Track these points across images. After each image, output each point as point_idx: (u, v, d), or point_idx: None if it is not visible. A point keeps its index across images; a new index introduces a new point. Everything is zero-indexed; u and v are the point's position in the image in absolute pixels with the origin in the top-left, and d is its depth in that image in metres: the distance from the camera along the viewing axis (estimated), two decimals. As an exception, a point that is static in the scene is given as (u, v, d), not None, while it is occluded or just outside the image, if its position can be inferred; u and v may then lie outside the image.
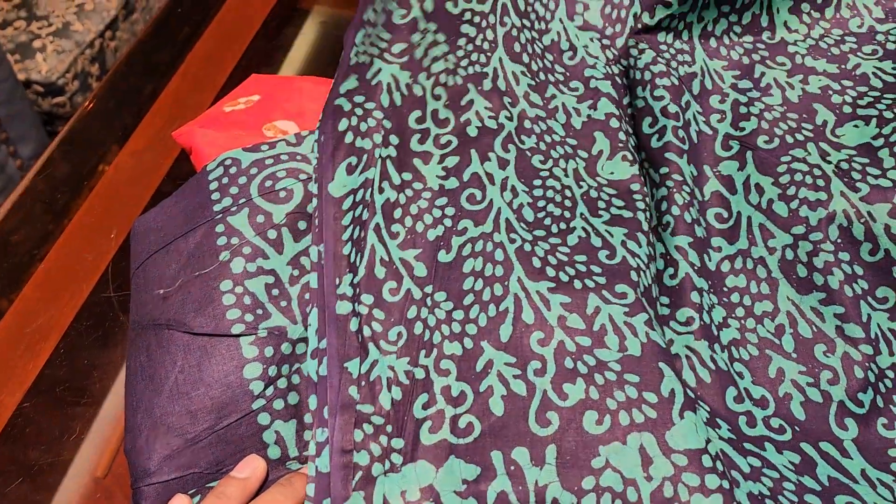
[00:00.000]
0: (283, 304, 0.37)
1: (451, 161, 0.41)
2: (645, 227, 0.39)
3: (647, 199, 0.41)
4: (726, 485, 0.30)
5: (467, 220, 0.39)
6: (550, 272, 0.37)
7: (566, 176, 0.41)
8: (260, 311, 0.36)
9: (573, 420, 0.33)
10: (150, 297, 0.38)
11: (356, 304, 0.36)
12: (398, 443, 0.33)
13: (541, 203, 0.40)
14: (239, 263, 0.37)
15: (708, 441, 0.32)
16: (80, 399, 0.40)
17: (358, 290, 0.37)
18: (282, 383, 0.35)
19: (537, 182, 0.41)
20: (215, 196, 0.39)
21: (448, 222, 0.39)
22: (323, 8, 0.63)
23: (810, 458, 0.34)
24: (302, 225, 0.39)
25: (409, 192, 0.40)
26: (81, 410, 0.40)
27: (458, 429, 0.33)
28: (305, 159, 0.40)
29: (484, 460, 0.32)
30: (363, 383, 0.34)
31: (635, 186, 0.41)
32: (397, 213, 0.39)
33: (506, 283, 0.36)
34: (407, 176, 0.40)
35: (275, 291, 0.37)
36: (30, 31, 1.06)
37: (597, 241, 0.38)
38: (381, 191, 0.39)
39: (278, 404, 0.35)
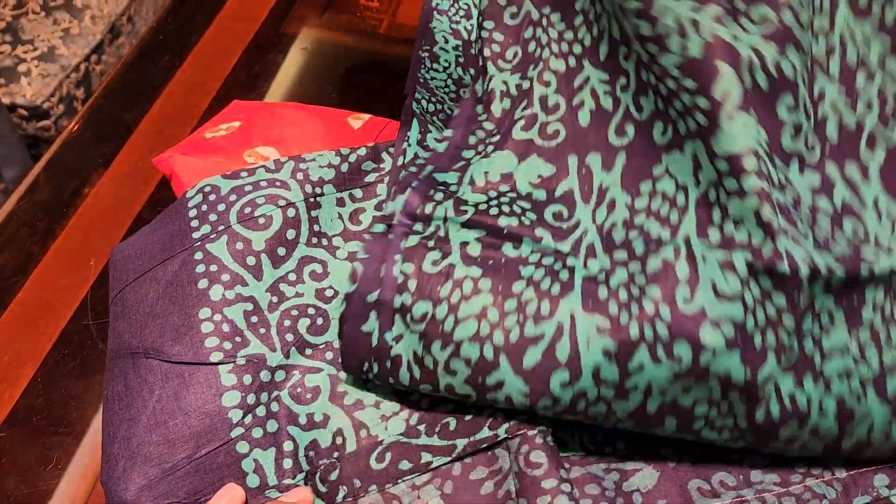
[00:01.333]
0: (262, 331, 0.37)
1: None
2: None
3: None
4: (766, 187, 0.31)
5: None
6: None
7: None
8: (238, 339, 0.36)
9: (643, 131, 0.36)
10: (128, 325, 0.38)
11: (481, 30, 0.42)
12: (495, 137, 0.39)
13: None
14: (217, 291, 0.37)
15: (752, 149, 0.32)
16: (58, 429, 0.40)
17: (481, 17, 0.42)
18: (260, 411, 0.35)
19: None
20: (194, 223, 0.39)
21: None
22: (306, 34, 0.64)
23: (829, 179, 0.35)
24: (281, 251, 0.39)
25: None
26: (59, 440, 0.40)
27: (546, 133, 0.38)
28: (285, 185, 0.41)
29: (561, 162, 0.38)
30: (483, 97, 0.41)
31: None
32: None
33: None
34: None
35: (254, 318, 0.37)
36: (15, 56, 1.06)
37: None
38: None
39: (257, 432, 0.35)
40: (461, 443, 0.34)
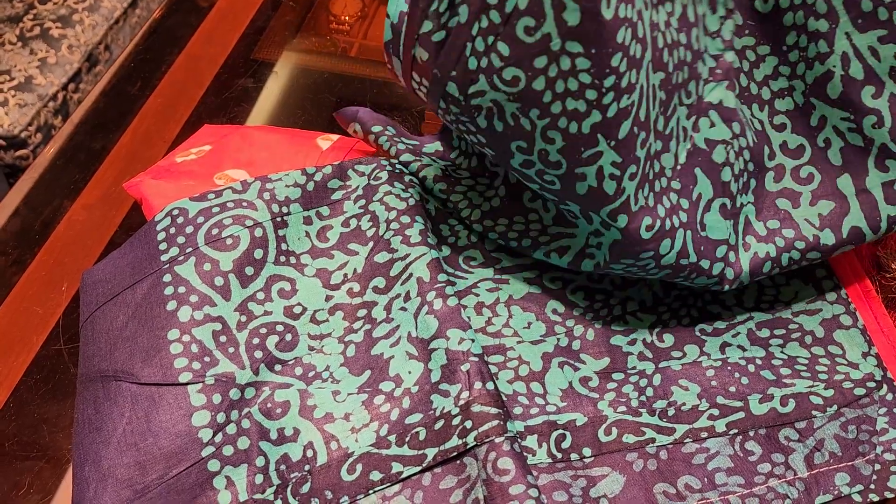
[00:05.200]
0: (231, 350, 0.37)
1: None
2: None
3: None
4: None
5: None
6: None
7: None
8: (207, 359, 0.37)
9: None
10: (98, 348, 0.38)
11: None
12: None
13: None
14: (186, 312, 0.37)
15: None
16: (30, 453, 0.40)
17: None
18: (231, 429, 0.36)
19: None
20: (163, 246, 0.40)
21: None
22: (277, 58, 0.65)
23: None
24: (249, 271, 0.40)
25: None
26: (31, 465, 0.40)
27: None
28: (252, 205, 0.41)
29: None
30: None
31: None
32: None
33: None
34: None
35: (222, 338, 0.37)
36: (-9, 87, 1.06)
37: None
38: None
39: (228, 450, 0.35)
40: (431, 452, 0.35)
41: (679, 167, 0.37)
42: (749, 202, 0.38)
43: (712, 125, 0.38)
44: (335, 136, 0.51)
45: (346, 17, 0.71)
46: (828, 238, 0.38)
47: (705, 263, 0.37)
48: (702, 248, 0.37)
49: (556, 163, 0.34)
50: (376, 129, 0.46)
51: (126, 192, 0.47)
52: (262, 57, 0.64)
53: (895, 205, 0.37)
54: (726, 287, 0.38)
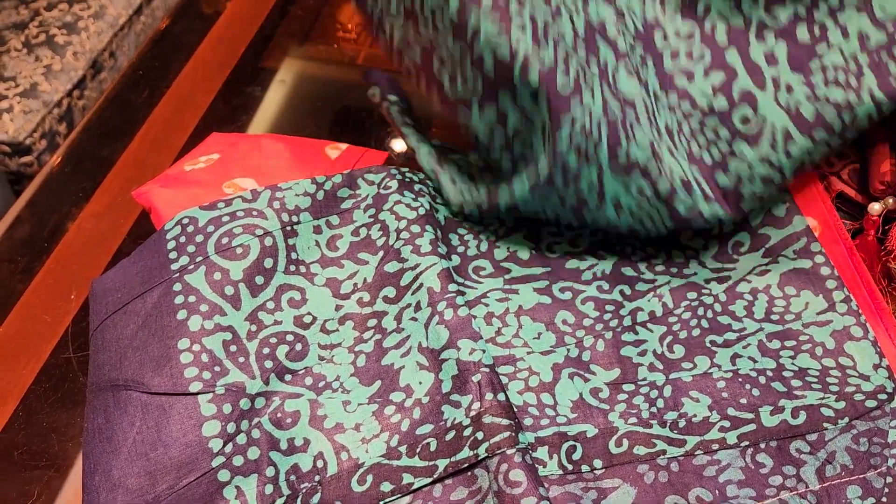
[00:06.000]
0: (241, 359, 0.37)
1: None
2: None
3: None
4: None
5: None
6: None
7: None
8: (218, 368, 0.37)
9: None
10: (108, 357, 0.38)
11: None
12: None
13: None
14: (196, 321, 0.37)
15: None
16: (39, 462, 0.40)
17: None
18: (241, 439, 0.36)
19: None
20: (172, 255, 0.40)
21: None
22: (284, 66, 0.65)
23: None
24: (259, 280, 0.40)
25: None
26: (40, 474, 0.40)
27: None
28: (262, 214, 0.41)
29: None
30: None
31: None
32: None
33: None
34: None
35: (233, 348, 0.37)
36: (-3, 93, 1.06)
37: None
38: None
39: (238, 460, 0.35)
40: (442, 463, 0.35)
41: (580, 37, 0.39)
42: (651, 75, 0.41)
43: (597, 6, 0.40)
44: (344, 145, 0.51)
45: (353, 26, 0.72)
46: (721, 103, 0.40)
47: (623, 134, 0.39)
48: (622, 109, 0.38)
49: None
50: (392, 97, 0.48)
51: (134, 201, 0.47)
52: (269, 65, 0.65)
53: (775, 66, 0.40)
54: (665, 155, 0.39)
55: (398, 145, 0.57)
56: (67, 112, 1.12)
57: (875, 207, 0.42)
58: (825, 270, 0.41)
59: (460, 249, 0.44)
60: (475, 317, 0.40)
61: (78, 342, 0.44)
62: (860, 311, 0.40)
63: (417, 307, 0.38)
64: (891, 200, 0.42)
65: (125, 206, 0.52)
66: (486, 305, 0.41)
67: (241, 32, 0.67)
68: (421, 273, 0.39)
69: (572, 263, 0.43)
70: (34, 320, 0.46)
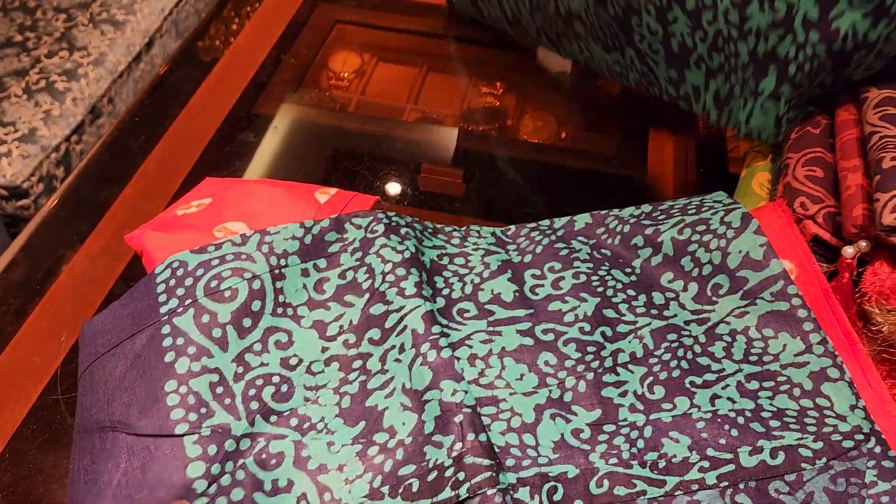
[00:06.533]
0: (227, 401, 0.38)
1: None
2: None
3: None
4: None
5: None
6: None
7: None
8: (204, 410, 0.37)
9: None
10: (96, 399, 0.39)
11: None
12: None
13: None
14: (184, 363, 0.38)
15: None
16: (24, 504, 0.40)
17: None
18: (225, 480, 0.36)
19: None
20: (162, 298, 0.41)
21: None
22: (277, 113, 0.67)
23: None
24: (246, 322, 0.40)
25: None
26: (25, 516, 0.40)
27: None
28: (250, 258, 0.42)
29: None
30: None
31: None
32: None
33: None
34: None
35: (219, 389, 0.38)
36: (-5, 138, 1.08)
37: None
38: None
39: (221, 502, 0.35)
40: None
41: None
42: None
43: None
44: (333, 190, 0.52)
45: (345, 74, 0.74)
46: None
47: None
48: None
49: None
50: None
51: (127, 244, 0.48)
52: (262, 112, 0.66)
53: None
54: None
55: (390, 188, 0.59)
56: (65, 157, 1.13)
57: (849, 251, 0.43)
58: (802, 313, 0.42)
59: (445, 292, 0.44)
60: (458, 358, 0.40)
61: (67, 384, 0.45)
62: (836, 352, 0.41)
63: (402, 349, 0.39)
64: (864, 244, 0.43)
65: (118, 250, 0.53)
66: (470, 347, 0.42)
67: (236, 80, 0.69)
68: (405, 315, 0.40)
69: (555, 305, 0.44)
70: (24, 362, 0.46)
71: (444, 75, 0.72)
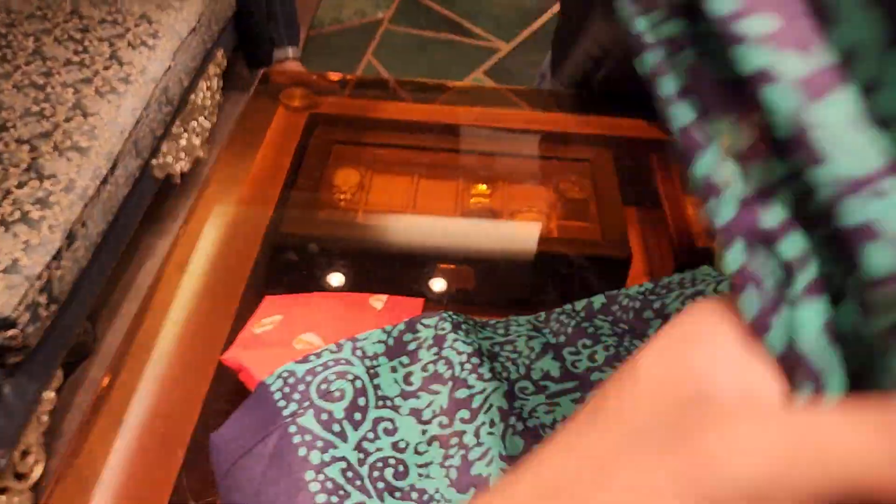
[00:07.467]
0: (358, 483, 0.46)
1: None
2: None
3: None
4: None
5: None
6: None
7: None
8: (342, 492, 0.45)
9: None
10: (243, 496, 0.46)
11: None
12: None
13: None
14: (316, 455, 0.46)
15: None
16: None
17: None
18: (365, 551, 0.43)
19: None
20: (281, 403, 0.48)
21: None
22: (295, 241, 0.75)
23: None
24: (357, 416, 0.48)
25: None
26: None
27: None
28: (349, 362, 0.50)
29: None
30: None
31: None
32: None
33: None
34: None
35: (349, 474, 0.46)
36: (-20, 272, 1.11)
37: None
38: None
39: None
40: None
41: None
42: None
43: None
44: (384, 297, 0.61)
45: (347, 187, 0.83)
46: None
47: None
48: None
49: None
50: None
51: (224, 364, 0.56)
52: (288, 230, 0.75)
53: None
54: None
55: (434, 287, 0.68)
56: (48, 283, 1.17)
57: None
58: None
59: (504, 375, 0.54)
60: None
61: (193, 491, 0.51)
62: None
63: (492, 423, 0.48)
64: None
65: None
66: (538, 418, 0.51)
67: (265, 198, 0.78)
68: (489, 396, 0.49)
69: (595, 376, 0.54)
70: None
71: (435, 181, 0.83)
